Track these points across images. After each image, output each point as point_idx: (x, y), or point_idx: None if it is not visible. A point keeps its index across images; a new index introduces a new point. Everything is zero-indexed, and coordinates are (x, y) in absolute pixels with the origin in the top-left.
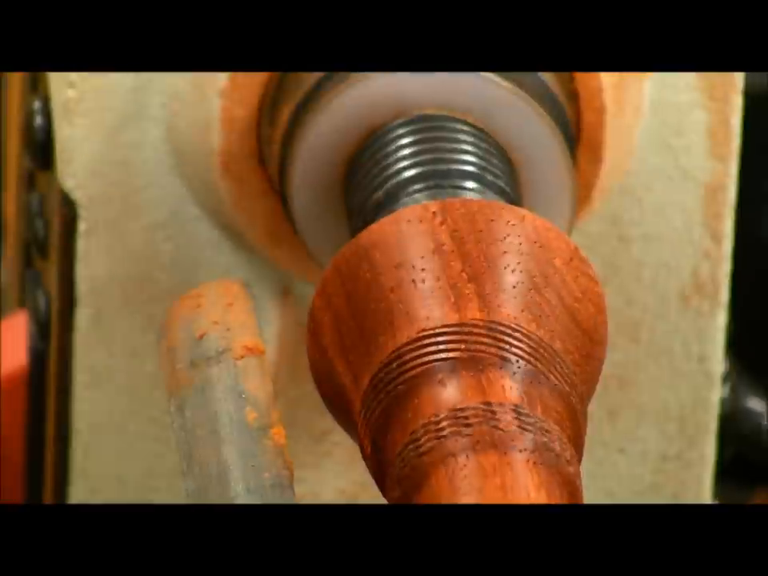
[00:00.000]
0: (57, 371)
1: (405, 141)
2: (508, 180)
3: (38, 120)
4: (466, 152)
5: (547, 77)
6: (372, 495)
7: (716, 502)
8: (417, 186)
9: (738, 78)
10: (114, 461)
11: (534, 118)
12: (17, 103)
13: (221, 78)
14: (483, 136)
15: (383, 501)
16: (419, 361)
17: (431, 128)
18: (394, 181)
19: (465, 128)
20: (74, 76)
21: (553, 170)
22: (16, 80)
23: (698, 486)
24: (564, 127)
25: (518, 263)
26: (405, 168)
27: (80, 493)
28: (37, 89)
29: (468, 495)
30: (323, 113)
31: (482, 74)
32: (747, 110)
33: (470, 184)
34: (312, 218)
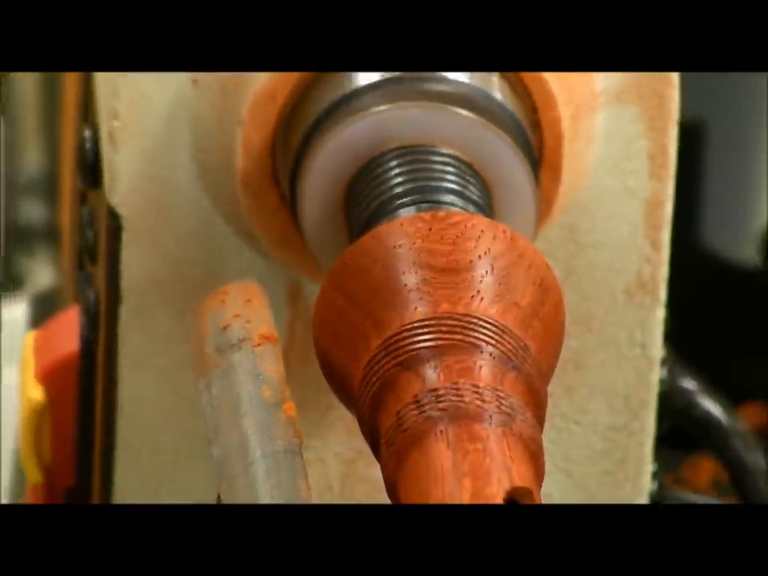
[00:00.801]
0: (104, 356)
1: (393, 165)
2: (482, 196)
3: (89, 146)
4: (445, 172)
5: (515, 109)
6: (368, 461)
7: (654, 466)
8: (402, 201)
9: (675, 112)
10: (153, 432)
11: (503, 146)
12: (71, 131)
13: (241, 110)
14: (460, 161)
15: (377, 466)
16: (403, 351)
17: (416, 156)
18: (383, 197)
19: (444, 155)
20: (118, 108)
21: (519, 188)
22: (70, 111)
23: (640, 452)
24: (529, 152)
25: (490, 265)
26: (392, 187)
27: (125, 460)
28: (88, 119)
29: (447, 460)
30: (328, 142)
31: (459, 110)
32: (684, 138)
33: (449, 198)
34: (318, 229)
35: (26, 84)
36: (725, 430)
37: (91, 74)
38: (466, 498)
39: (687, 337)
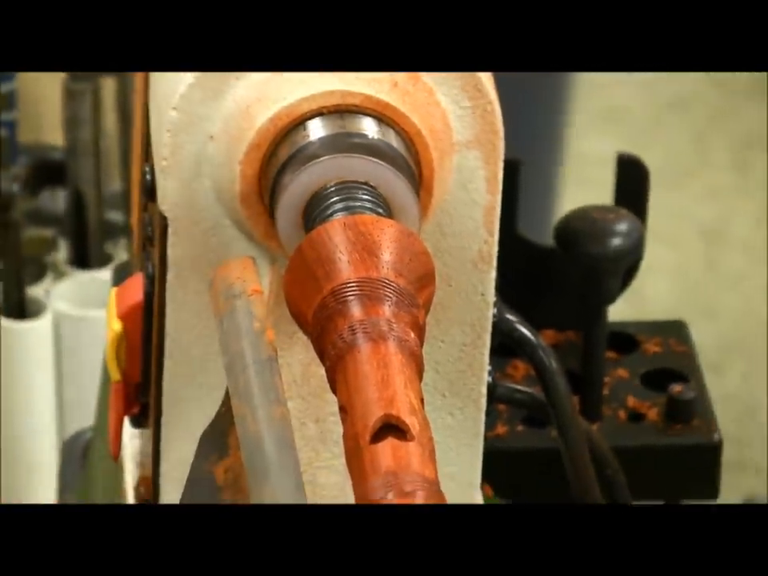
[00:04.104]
0: (158, 303)
1: (332, 192)
2: (385, 208)
3: (148, 176)
4: (364, 194)
5: (405, 154)
6: (318, 364)
7: (490, 367)
8: (337, 208)
9: (501, 153)
10: (188, 349)
11: (397, 178)
12: (137, 166)
13: (239, 155)
14: (372, 188)
15: (323, 368)
16: (338, 299)
17: (345, 186)
18: (326, 208)
19: (363, 185)
20: (165, 153)
21: (407, 203)
22: (137, 153)
23: (481, 359)
24: (413, 181)
25: (390, 247)
26: (331, 203)
27: (170, 365)
28: (147, 159)
29: (365, 364)
30: (291, 180)
31: (372, 158)
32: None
33: (366, 207)
34: (286, 228)
35: (111, 138)
36: (533, 344)
37: (149, 129)
38: (373, 383)
39: (509, 289)
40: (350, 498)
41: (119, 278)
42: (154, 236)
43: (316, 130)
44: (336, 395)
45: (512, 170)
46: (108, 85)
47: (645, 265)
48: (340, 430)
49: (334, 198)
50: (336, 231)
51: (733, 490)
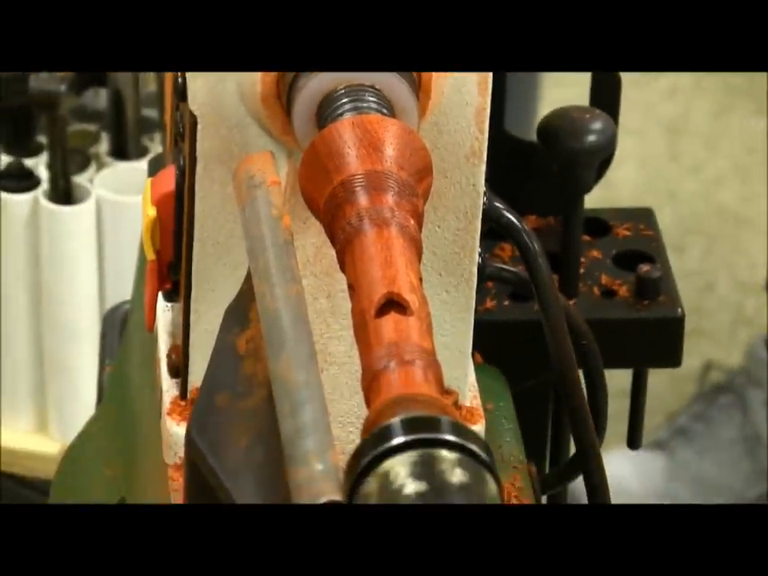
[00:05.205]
0: (188, 191)
1: (342, 94)
2: (389, 109)
3: (180, 78)
4: (370, 96)
5: None
6: (329, 245)
7: (480, 249)
8: (346, 109)
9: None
10: (215, 230)
11: (400, 83)
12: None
13: None
14: (378, 91)
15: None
16: (347, 189)
17: (354, 89)
18: (336, 108)
19: (370, 89)
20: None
21: (408, 104)
22: None
23: (473, 242)
24: (413, 85)
25: (393, 143)
26: (342, 103)
27: (198, 246)
28: None
29: (370, 247)
30: (305, 84)
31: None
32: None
33: (373, 108)
34: (302, 128)
35: None
36: (518, 229)
37: None
38: (377, 263)
39: (497, 179)
40: (356, 365)
41: (154, 168)
42: (184, 132)
43: None
44: (345, 274)
45: (500, 74)
46: None
47: (615, 156)
48: (348, 305)
49: (344, 100)
50: (345, 129)
51: (693, 355)
